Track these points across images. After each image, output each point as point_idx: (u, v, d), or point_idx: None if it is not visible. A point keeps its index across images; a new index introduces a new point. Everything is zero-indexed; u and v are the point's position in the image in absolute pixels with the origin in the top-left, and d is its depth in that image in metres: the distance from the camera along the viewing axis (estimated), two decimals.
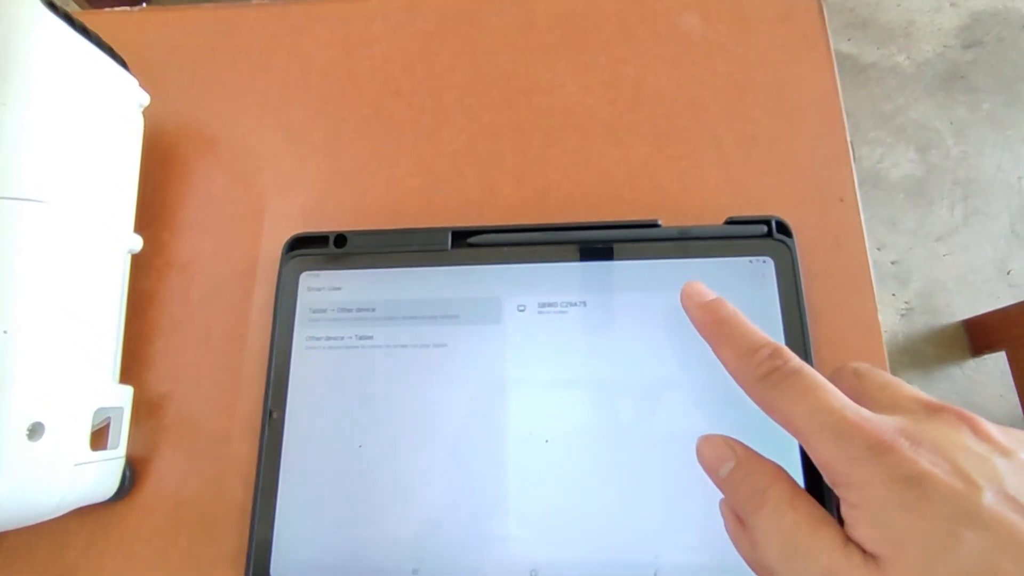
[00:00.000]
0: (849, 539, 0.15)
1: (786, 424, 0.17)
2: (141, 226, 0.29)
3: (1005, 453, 0.15)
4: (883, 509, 0.15)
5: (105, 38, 0.27)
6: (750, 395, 0.18)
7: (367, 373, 0.26)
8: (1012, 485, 0.14)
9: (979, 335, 0.98)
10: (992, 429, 0.16)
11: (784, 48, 0.31)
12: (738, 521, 0.18)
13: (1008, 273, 1.04)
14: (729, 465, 0.18)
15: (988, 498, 0.14)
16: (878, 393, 0.18)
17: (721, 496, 0.19)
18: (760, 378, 0.18)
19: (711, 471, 0.18)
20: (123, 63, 0.28)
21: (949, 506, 0.14)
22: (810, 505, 0.16)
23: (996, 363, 0.99)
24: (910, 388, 0.18)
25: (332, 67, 0.33)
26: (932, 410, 0.17)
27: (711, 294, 0.20)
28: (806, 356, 0.25)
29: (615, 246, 0.27)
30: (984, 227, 1.06)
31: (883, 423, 0.16)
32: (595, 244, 0.27)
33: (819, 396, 0.16)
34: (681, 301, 0.20)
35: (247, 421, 0.27)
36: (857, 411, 0.16)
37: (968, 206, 1.08)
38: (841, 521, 0.16)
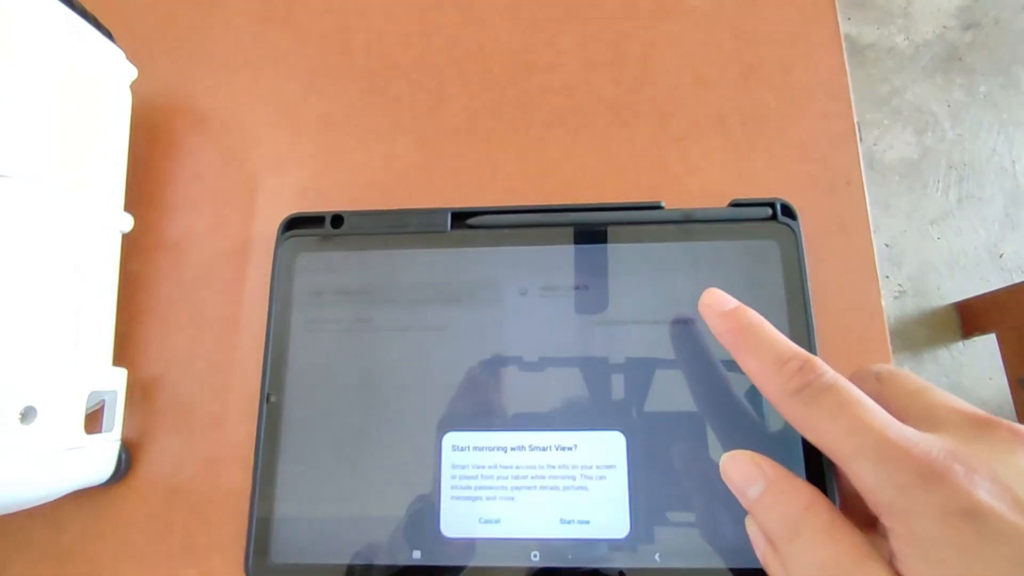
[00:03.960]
0: (897, 574, 0.14)
1: (821, 444, 0.16)
2: (130, 205, 0.28)
3: None
4: (937, 546, 0.13)
5: (89, 8, 0.26)
6: (780, 410, 0.17)
7: (366, 356, 0.26)
8: None
9: (971, 318, 0.99)
10: None
11: (792, 24, 0.30)
12: (769, 543, 0.17)
13: (1000, 257, 1.05)
14: (758, 487, 0.17)
15: None
16: (908, 401, 0.16)
17: (733, 498, 0.17)
18: (791, 393, 0.16)
19: (738, 493, 0.17)
20: (109, 35, 0.27)
21: (1013, 548, 0.13)
22: (851, 535, 0.15)
23: (985, 345, 1.00)
24: (944, 395, 0.16)
25: (327, 38, 0.32)
26: (981, 425, 0.15)
27: (732, 301, 0.19)
28: (809, 342, 0.25)
29: (618, 229, 0.27)
30: (977, 210, 1.07)
31: (931, 445, 0.14)
32: (597, 226, 0.27)
33: (857, 414, 0.15)
34: (700, 310, 0.19)
35: (242, 404, 0.27)
36: (901, 431, 0.15)
37: (962, 189, 1.08)
38: (868, 528, 0.15)
